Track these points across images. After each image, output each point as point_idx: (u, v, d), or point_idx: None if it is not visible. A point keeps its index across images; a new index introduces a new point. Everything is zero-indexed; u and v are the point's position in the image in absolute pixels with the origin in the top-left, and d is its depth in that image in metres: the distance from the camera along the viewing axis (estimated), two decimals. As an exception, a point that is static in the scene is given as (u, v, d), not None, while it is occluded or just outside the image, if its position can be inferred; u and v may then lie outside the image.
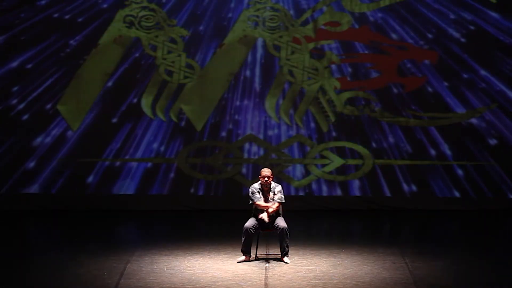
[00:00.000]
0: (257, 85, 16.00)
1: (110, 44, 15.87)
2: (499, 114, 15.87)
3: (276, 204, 11.65)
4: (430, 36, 15.83)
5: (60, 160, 15.86)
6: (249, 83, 16.01)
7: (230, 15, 15.91)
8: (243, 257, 11.64)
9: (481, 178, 15.91)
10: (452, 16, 15.79)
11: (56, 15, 15.81)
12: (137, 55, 15.89)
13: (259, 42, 15.95)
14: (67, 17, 15.82)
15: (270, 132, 16.05)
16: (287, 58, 15.94)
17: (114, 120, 15.92)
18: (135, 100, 15.94)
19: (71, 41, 15.78)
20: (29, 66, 15.77)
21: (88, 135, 15.88)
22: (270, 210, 11.59)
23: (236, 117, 16.01)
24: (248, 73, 15.99)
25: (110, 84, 15.88)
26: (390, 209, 15.93)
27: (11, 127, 15.84)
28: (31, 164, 15.84)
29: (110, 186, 15.94)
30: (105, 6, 15.85)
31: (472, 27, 15.78)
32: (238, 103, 16.01)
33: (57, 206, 15.83)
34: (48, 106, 15.80)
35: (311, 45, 15.96)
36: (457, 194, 15.94)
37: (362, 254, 12.12)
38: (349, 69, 15.98)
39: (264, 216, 11.57)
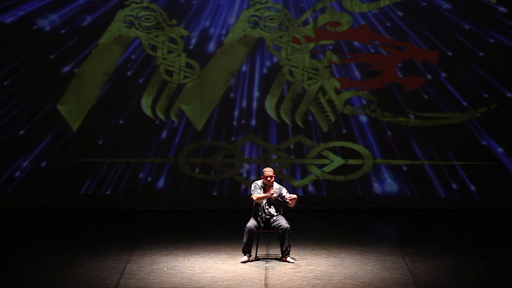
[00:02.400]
0: (257, 85, 16.00)
1: (110, 44, 15.87)
2: (499, 114, 15.86)
3: (295, 196, 11.65)
4: (430, 35, 15.83)
5: (60, 160, 15.86)
6: (249, 83, 16.00)
7: (229, 15, 15.91)
8: (246, 257, 11.64)
9: (482, 178, 15.90)
10: (452, 16, 15.78)
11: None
12: (137, 54, 15.90)
13: (259, 42, 15.94)
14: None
15: (270, 132, 16.05)
16: (287, 58, 15.94)
17: (114, 120, 15.91)
18: (135, 100, 15.94)
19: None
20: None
21: (88, 135, 15.87)
22: (294, 196, 11.61)
23: (236, 117, 16.00)
24: (248, 73, 15.98)
25: (110, 84, 15.88)
26: (390, 209, 15.93)
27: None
28: (31, 164, 15.84)
29: (110, 186, 15.93)
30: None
31: (472, 27, 15.78)
32: (238, 103, 16.01)
33: (57, 206, 15.82)
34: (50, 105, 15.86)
35: (311, 45, 15.95)
36: (457, 194, 15.94)
37: (362, 254, 12.13)
38: (349, 69, 15.97)
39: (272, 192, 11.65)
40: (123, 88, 15.90)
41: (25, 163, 15.85)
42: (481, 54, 15.79)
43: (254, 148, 16.07)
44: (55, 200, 15.86)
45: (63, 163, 15.87)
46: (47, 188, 15.86)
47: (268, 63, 15.95)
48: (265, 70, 15.99)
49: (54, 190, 15.87)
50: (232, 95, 15.96)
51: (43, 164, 15.84)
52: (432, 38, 15.83)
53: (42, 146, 15.85)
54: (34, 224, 14.88)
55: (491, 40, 15.75)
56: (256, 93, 15.98)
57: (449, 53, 15.82)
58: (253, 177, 15.86)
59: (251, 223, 11.65)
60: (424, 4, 15.76)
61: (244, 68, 15.95)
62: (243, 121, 15.99)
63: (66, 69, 15.76)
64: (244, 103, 16.01)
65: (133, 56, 15.90)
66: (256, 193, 11.73)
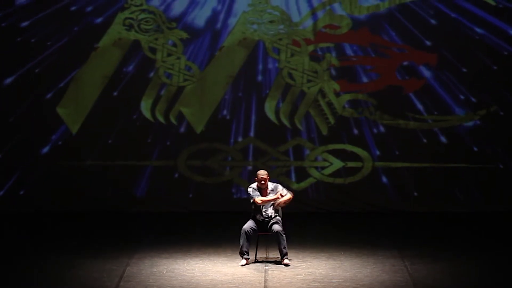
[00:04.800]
0: (256, 87, 16.00)
1: (110, 47, 15.87)
2: (499, 116, 15.86)
3: (288, 196, 11.68)
4: (429, 38, 15.82)
5: (60, 162, 15.85)
6: (248, 86, 16.00)
7: (229, 17, 15.91)
8: (244, 261, 11.64)
9: (482, 180, 15.89)
10: (451, 18, 15.78)
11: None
12: (136, 57, 15.91)
13: (259, 45, 15.95)
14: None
15: (269, 135, 16.05)
16: (287, 61, 15.95)
17: (113, 122, 15.90)
18: (134, 103, 15.93)
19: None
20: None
21: (87, 137, 15.87)
22: (282, 199, 11.63)
23: (236, 119, 16.01)
24: (247, 75, 15.98)
25: (109, 87, 15.87)
26: (389, 212, 15.93)
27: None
28: (31, 166, 15.84)
29: (110, 189, 15.93)
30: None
31: (472, 29, 15.78)
32: (238, 105, 16.01)
33: (56, 208, 15.82)
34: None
35: (311, 48, 15.96)
36: (457, 196, 15.93)
37: (361, 256, 12.13)
38: (349, 72, 15.97)
39: (265, 198, 11.65)
40: (123, 91, 15.90)
41: (24, 164, 15.84)
42: (482, 56, 15.79)
43: (254, 150, 16.06)
44: (54, 202, 15.85)
45: (63, 165, 15.86)
46: (46, 190, 15.85)
47: (268, 66, 15.96)
48: (264, 73, 15.99)
49: (54, 192, 15.86)
50: (231, 97, 15.96)
51: (43, 166, 15.83)
52: (431, 40, 15.82)
53: (41, 148, 15.84)
54: (33, 226, 14.87)
55: (502, 51, 15.75)
56: (255, 96, 15.99)
57: (449, 56, 15.82)
58: (253, 180, 15.84)
59: (247, 225, 11.66)
60: (423, 6, 15.76)
61: (243, 70, 15.94)
62: (243, 124, 15.99)
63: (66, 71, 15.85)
64: (243, 106, 16.00)
65: (132, 59, 15.90)
66: (256, 196, 11.73)
